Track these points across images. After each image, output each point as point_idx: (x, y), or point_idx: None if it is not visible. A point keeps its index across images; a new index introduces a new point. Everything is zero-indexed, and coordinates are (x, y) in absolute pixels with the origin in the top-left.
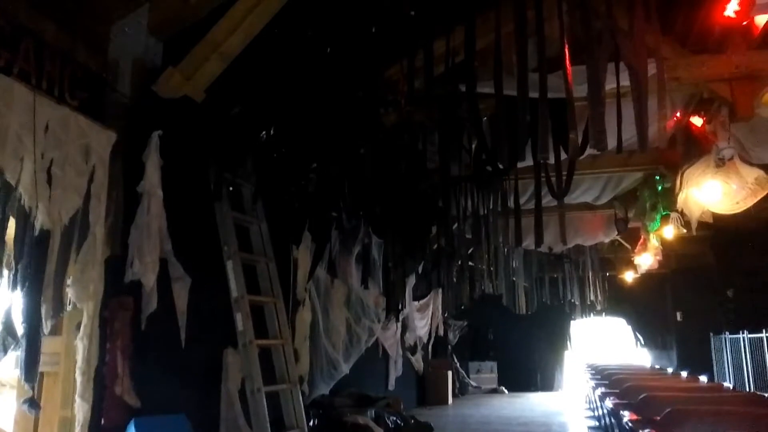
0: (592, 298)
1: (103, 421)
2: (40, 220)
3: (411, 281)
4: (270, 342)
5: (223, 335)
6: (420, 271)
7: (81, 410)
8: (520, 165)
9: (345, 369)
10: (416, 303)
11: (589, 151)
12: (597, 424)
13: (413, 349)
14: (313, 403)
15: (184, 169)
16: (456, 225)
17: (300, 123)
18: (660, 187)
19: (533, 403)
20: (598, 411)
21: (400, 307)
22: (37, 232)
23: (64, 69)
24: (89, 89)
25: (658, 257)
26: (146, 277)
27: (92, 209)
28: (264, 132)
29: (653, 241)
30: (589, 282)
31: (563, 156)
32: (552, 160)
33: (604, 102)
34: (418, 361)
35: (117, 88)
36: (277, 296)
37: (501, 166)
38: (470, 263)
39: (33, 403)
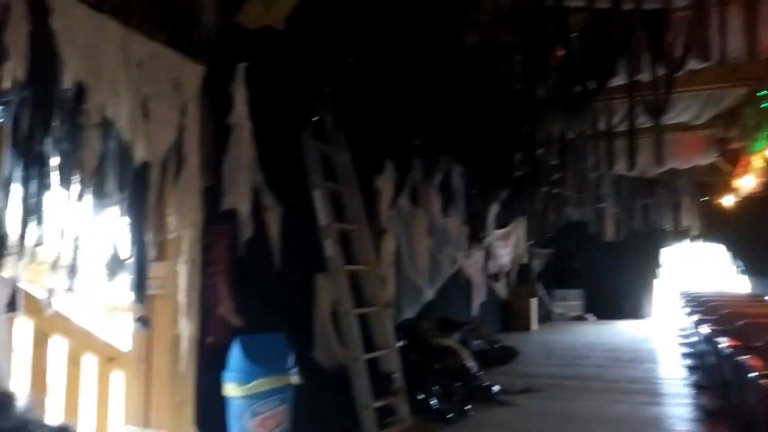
0: (687, 223)
1: (209, 339)
2: (139, 153)
3: (494, 209)
4: (358, 267)
5: (313, 261)
6: (503, 199)
7: (187, 329)
8: (612, 84)
9: (429, 295)
10: (499, 231)
11: (688, 66)
12: (690, 351)
13: (496, 277)
14: (400, 326)
15: (270, 100)
16: (542, 150)
17: (380, 48)
18: (766, 104)
19: (621, 330)
20: (691, 338)
21: (482, 235)
22: (137, 165)
23: (152, 3)
24: (176, 23)
25: (762, 179)
26: (240, 206)
27: (186, 142)
28: (345, 60)
29: (756, 163)
30: (683, 207)
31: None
32: (648, 78)
33: (709, 9)
34: (501, 288)
35: (202, 21)
36: (362, 224)
37: (591, 86)
38: (556, 190)
39: (144, 321)
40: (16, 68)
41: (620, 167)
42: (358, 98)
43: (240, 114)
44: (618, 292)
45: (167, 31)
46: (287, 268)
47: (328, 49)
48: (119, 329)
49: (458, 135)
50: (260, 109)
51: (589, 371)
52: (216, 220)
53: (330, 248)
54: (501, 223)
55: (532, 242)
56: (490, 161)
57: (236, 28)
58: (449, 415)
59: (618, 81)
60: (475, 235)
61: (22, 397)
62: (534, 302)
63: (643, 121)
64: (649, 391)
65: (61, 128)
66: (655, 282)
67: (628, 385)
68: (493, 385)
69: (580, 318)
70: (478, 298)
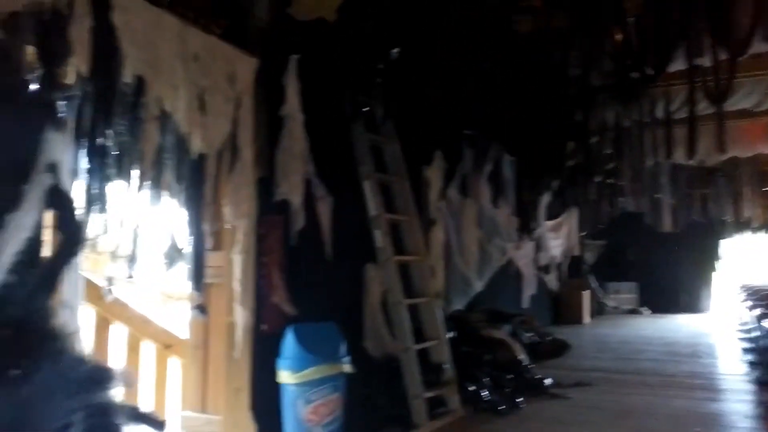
0: (748, 214)
1: (263, 326)
2: (196, 146)
3: (545, 200)
4: (408, 258)
5: (364, 251)
6: (555, 189)
7: (241, 317)
8: (670, 69)
9: (478, 286)
10: (550, 222)
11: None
12: (751, 346)
13: (547, 269)
14: (450, 317)
15: (321, 91)
16: (596, 139)
17: (429, 38)
18: None
19: (677, 324)
20: (753, 333)
21: (533, 226)
22: (193, 157)
23: None
24: (230, 16)
25: None
26: (293, 197)
27: (240, 134)
28: (393, 50)
29: None
30: (744, 197)
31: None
32: (709, 62)
33: None
34: (552, 281)
35: (255, 14)
36: (412, 215)
37: (649, 72)
38: (610, 180)
39: (201, 308)
40: (79, 63)
41: (678, 156)
42: (408, 88)
43: (292, 105)
44: (675, 285)
45: (222, 24)
46: (339, 258)
47: (378, 39)
48: (175, 317)
49: (509, 124)
50: (312, 101)
51: (644, 365)
52: (270, 210)
53: (380, 239)
54: (552, 214)
55: (584, 233)
56: (542, 150)
57: (288, 20)
58: (501, 407)
59: (677, 66)
60: (526, 226)
61: (117, 374)
62: (586, 295)
63: (702, 107)
64: (708, 386)
65: (121, 121)
66: (714, 275)
67: (687, 381)
68: (544, 378)
69: (634, 311)
70: (528, 290)
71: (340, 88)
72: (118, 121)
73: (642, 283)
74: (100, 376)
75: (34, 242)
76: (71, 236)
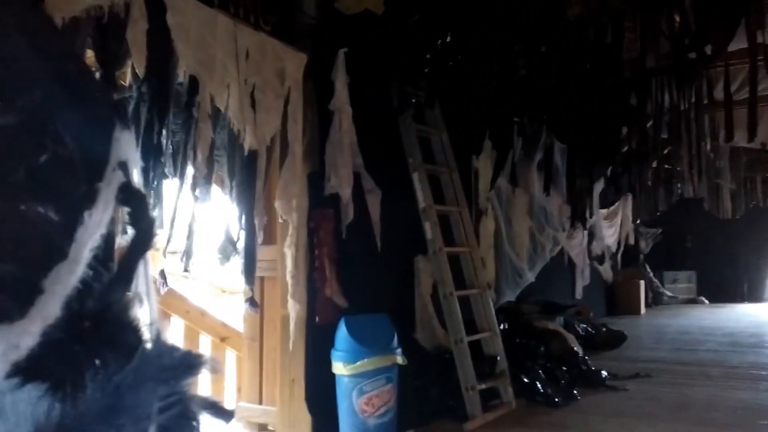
0: None
1: (317, 319)
2: (247, 142)
3: (598, 187)
4: (458, 249)
5: (413, 243)
6: (608, 176)
7: (293, 309)
8: (730, 48)
9: (530, 277)
10: (603, 210)
11: None
12: None
13: (601, 259)
14: (501, 309)
15: (369, 84)
16: (651, 123)
17: (478, 25)
18: None
19: (739, 313)
20: None
21: (586, 215)
22: (245, 153)
23: None
24: (279, 13)
25: None
26: (342, 190)
27: (290, 129)
28: (441, 39)
29: None
30: None
31: None
32: None
33: None
34: (606, 270)
35: (304, 10)
36: (461, 205)
37: (707, 51)
38: (667, 165)
39: (253, 302)
40: (136, 65)
41: (739, 138)
42: (456, 77)
43: (341, 99)
44: (736, 274)
45: (270, 21)
46: (388, 250)
47: (425, 28)
48: (228, 310)
49: (560, 110)
50: (359, 93)
51: (705, 356)
52: (320, 204)
53: (429, 230)
54: (606, 202)
55: (639, 221)
56: (595, 136)
57: (336, 14)
58: (556, 399)
59: (737, 44)
60: (578, 214)
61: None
62: (642, 285)
63: (764, 87)
64: None
65: (175, 120)
66: None
67: (750, 372)
68: (600, 370)
69: (693, 301)
70: (582, 280)
71: (388, 79)
72: (172, 119)
73: (700, 272)
74: (191, 361)
75: (109, 238)
76: (143, 232)
